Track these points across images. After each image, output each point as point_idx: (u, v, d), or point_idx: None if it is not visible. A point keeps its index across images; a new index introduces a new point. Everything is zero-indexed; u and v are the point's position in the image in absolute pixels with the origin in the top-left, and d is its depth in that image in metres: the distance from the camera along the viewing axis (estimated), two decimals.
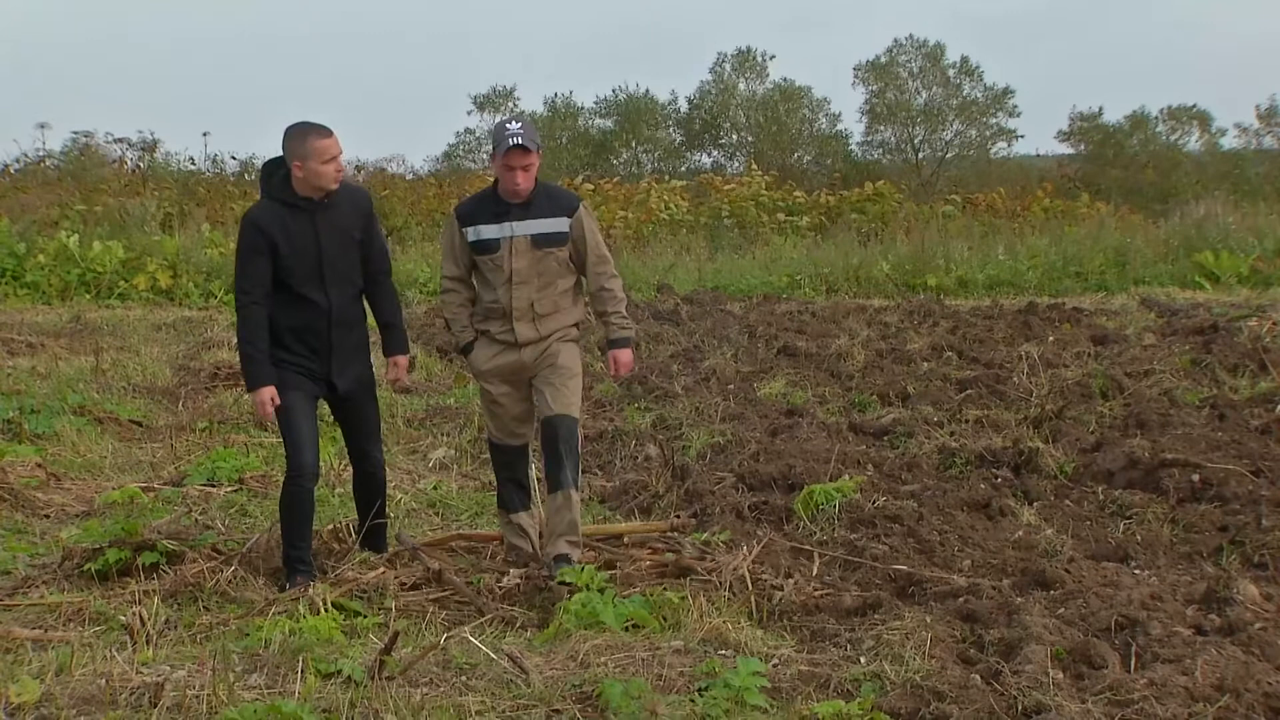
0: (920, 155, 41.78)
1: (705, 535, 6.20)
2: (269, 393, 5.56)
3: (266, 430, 8.54)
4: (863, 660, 4.67)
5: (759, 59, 43.45)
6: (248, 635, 4.98)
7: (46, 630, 5.11)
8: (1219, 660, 4.35)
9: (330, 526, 6.24)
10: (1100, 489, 7.14)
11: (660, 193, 24.96)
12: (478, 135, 44.23)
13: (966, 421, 8.75)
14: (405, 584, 5.81)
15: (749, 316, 15.09)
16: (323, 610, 5.14)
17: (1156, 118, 39.71)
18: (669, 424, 9.02)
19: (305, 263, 5.54)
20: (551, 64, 77.38)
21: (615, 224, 22.57)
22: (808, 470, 7.27)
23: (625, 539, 6.34)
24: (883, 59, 42.48)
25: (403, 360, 6.00)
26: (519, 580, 5.77)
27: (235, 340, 5.77)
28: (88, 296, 17.26)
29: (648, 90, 42.72)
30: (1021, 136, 42.88)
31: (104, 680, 4.31)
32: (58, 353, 12.05)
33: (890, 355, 11.75)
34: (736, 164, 39.33)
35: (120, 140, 27.53)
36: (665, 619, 5.16)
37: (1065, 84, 70.56)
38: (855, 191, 25.78)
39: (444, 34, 78.08)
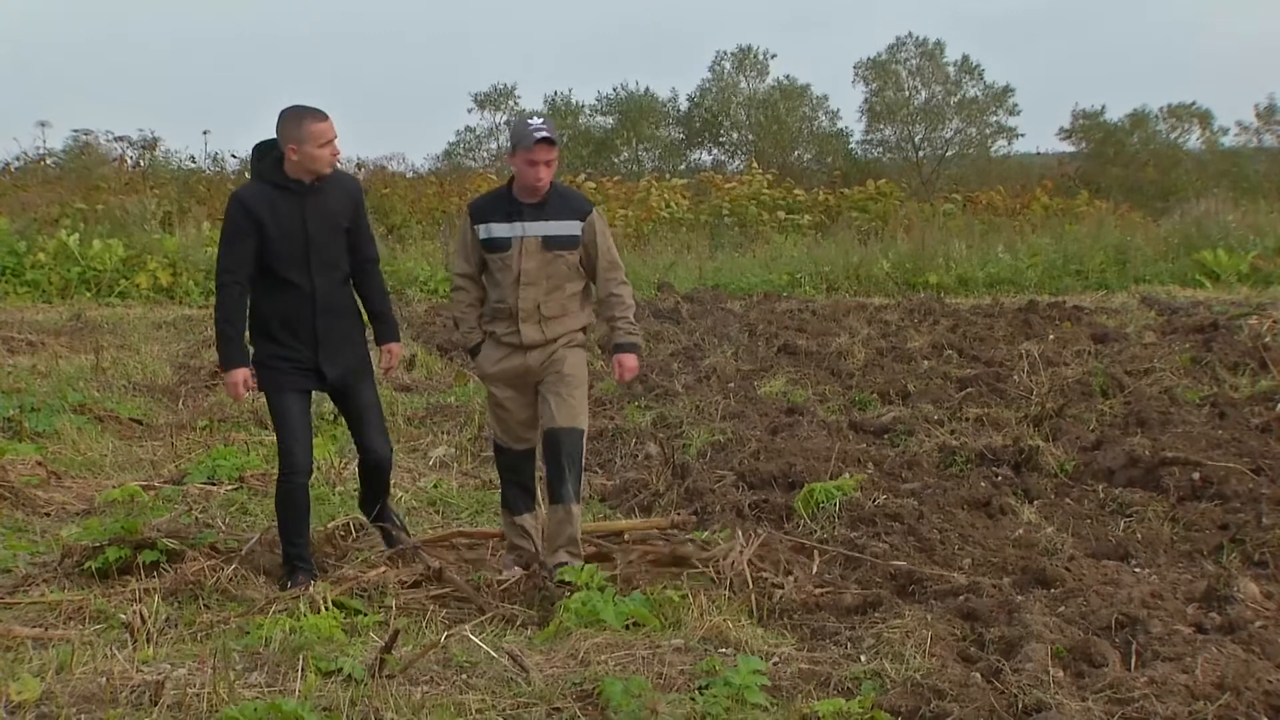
0: (920, 154, 41.78)
1: (706, 534, 6.19)
2: (242, 374, 5.56)
3: (267, 428, 8.54)
4: (863, 658, 4.67)
5: (759, 57, 43.45)
6: (248, 633, 4.98)
7: (47, 628, 5.11)
8: (1219, 658, 4.35)
9: (330, 525, 6.24)
10: (1100, 487, 7.14)
11: (661, 191, 24.97)
12: (478, 134, 44.26)
13: (967, 420, 8.75)
14: (405, 582, 5.81)
15: (749, 315, 15.09)
16: (323, 608, 5.14)
17: (1157, 116, 39.73)
18: (669, 422, 9.02)
19: (291, 246, 5.50)
20: (552, 62, 77.35)
21: (616, 222, 22.58)
22: (808, 468, 7.27)
23: (626, 536, 6.33)
24: (883, 57, 42.50)
25: (395, 348, 5.96)
26: (519, 577, 5.78)
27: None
28: (88, 295, 17.28)
29: (648, 89, 42.72)
30: (1022, 135, 42.93)
31: (104, 678, 4.31)
32: (58, 351, 12.06)
33: (890, 353, 11.75)
34: (737, 162, 39.33)
35: (121, 139, 27.55)
36: (665, 617, 5.15)
37: (1066, 83, 70.59)
38: (856, 190, 25.79)
39: (444, 33, 78.05)
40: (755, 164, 27.46)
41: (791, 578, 5.56)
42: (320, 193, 5.55)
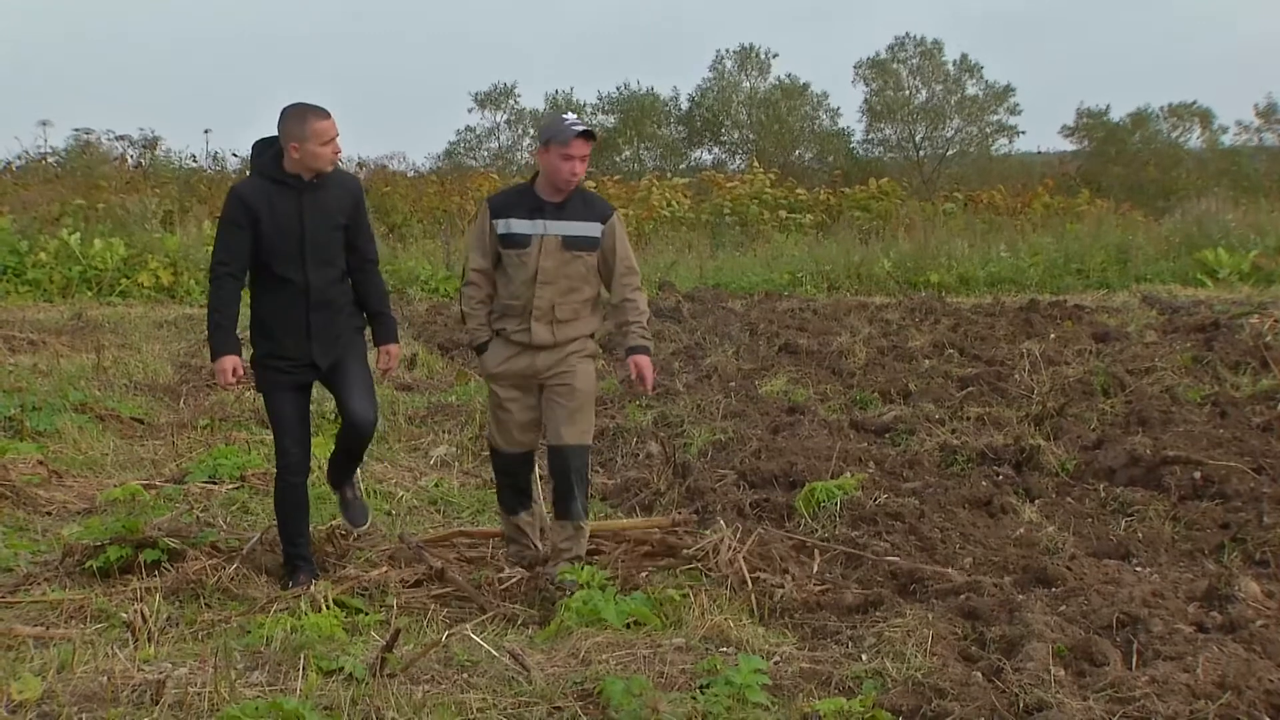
0: (921, 153, 41.79)
1: (707, 533, 6.19)
2: (231, 362, 5.53)
3: (268, 427, 8.54)
4: (864, 658, 4.67)
5: (761, 55, 43.46)
6: (249, 632, 4.98)
7: (48, 628, 5.11)
8: (1220, 658, 4.35)
9: (331, 524, 6.25)
10: (1102, 486, 7.14)
11: (662, 190, 24.97)
12: (478, 133, 44.28)
13: (968, 419, 8.75)
14: (407, 581, 5.81)
15: (750, 314, 15.09)
16: (324, 607, 5.14)
17: (1158, 114, 39.74)
18: (670, 421, 9.02)
19: (287, 241, 5.48)
20: (553, 61, 77.38)
21: None
22: (809, 468, 7.26)
23: (627, 536, 6.34)
24: (882, 56, 42.50)
25: (393, 349, 5.91)
26: (520, 576, 5.78)
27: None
28: (89, 294, 17.29)
29: (651, 89, 42.74)
30: (1023, 133, 42.95)
31: (105, 678, 4.30)
32: (59, 350, 12.05)
33: (892, 353, 11.75)
34: (738, 161, 39.35)
35: (122, 138, 27.58)
36: (666, 616, 5.15)
37: (1067, 82, 70.39)
38: (857, 189, 25.80)
39: (444, 32, 78.10)
40: (757, 163, 27.47)
41: (789, 576, 5.57)
42: (319, 189, 5.53)
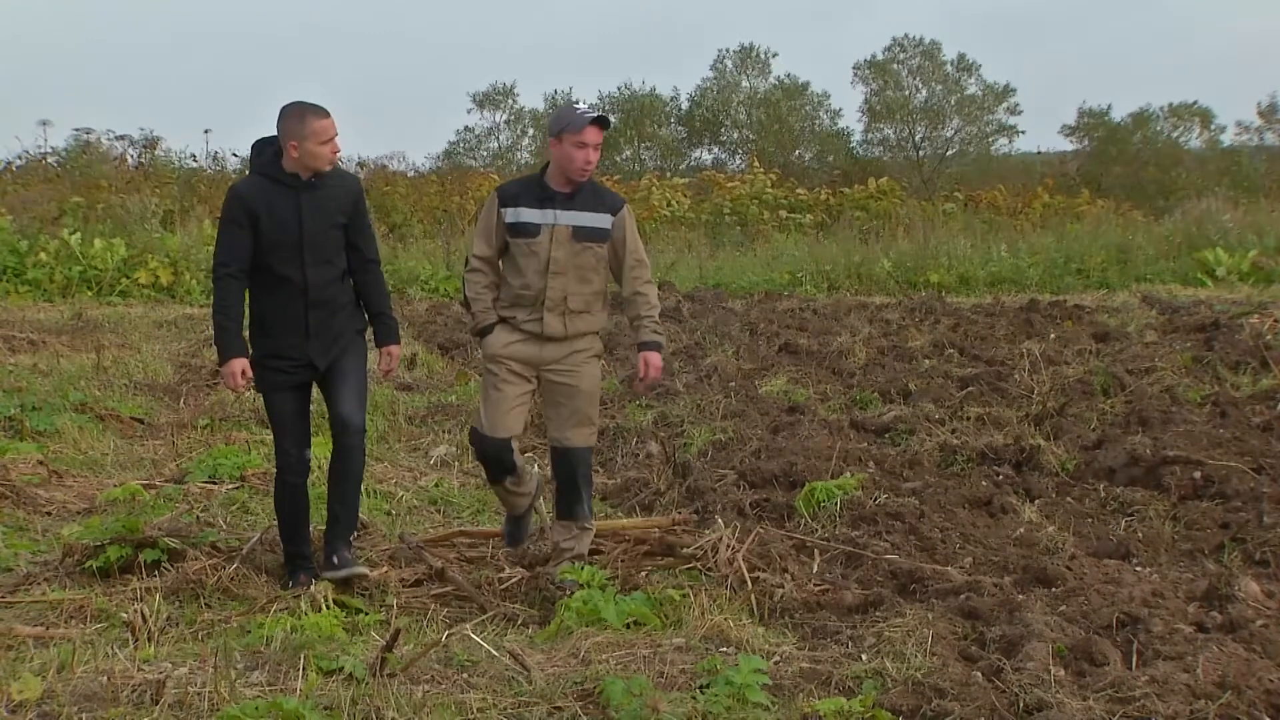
0: (921, 153, 41.81)
1: (707, 533, 6.20)
2: (240, 365, 5.51)
3: (268, 427, 8.55)
4: (864, 657, 4.67)
5: (761, 55, 43.48)
6: (249, 632, 4.98)
7: (48, 627, 5.11)
8: (1220, 657, 4.35)
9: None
10: (1102, 486, 7.15)
11: (662, 190, 24.99)
12: (477, 134, 44.31)
13: (968, 419, 8.75)
14: (407, 581, 5.82)
15: (750, 314, 15.09)
16: (324, 607, 5.14)
17: (1159, 114, 39.77)
18: (670, 421, 9.02)
19: (285, 240, 5.47)
20: (552, 61, 77.38)
21: None
22: (809, 467, 7.26)
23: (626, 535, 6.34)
24: (881, 57, 42.52)
25: (394, 350, 5.88)
26: (520, 576, 5.79)
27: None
28: (89, 294, 17.28)
29: (654, 88, 42.77)
30: (1022, 133, 42.99)
31: (105, 677, 4.30)
32: (59, 350, 12.05)
33: (892, 352, 11.75)
34: (738, 161, 39.37)
35: (122, 137, 27.58)
36: (666, 616, 5.15)
37: (1067, 82, 70.61)
38: (857, 189, 25.81)
39: (444, 31, 78.08)
40: (757, 163, 27.48)
41: (789, 576, 5.57)
42: (318, 188, 5.53)
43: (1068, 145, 40.14)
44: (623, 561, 5.96)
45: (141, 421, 9.33)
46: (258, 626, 4.98)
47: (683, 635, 4.93)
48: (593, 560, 5.87)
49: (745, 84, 43.27)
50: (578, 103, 5.77)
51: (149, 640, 4.83)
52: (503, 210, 5.71)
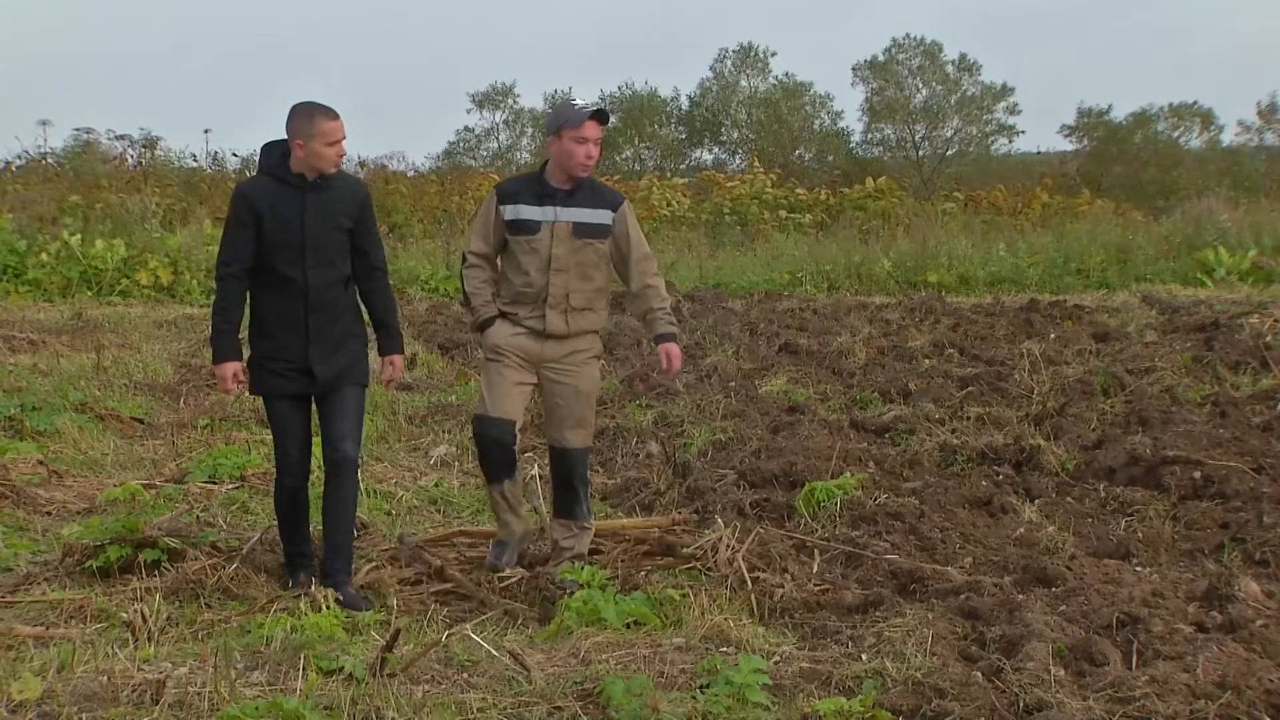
0: (921, 152, 41.83)
1: (708, 533, 6.20)
2: (232, 368, 5.52)
3: (268, 427, 8.54)
4: (864, 657, 4.67)
5: (761, 55, 43.49)
6: (249, 632, 4.98)
7: (48, 627, 5.11)
8: (1220, 657, 4.35)
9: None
10: (1101, 486, 7.14)
11: (662, 190, 24.98)
12: (477, 134, 44.32)
13: (968, 419, 8.75)
14: (406, 581, 5.82)
15: (750, 314, 15.09)
16: (324, 607, 5.14)
17: (1160, 114, 39.79)
18: (670, 421, 9.01)
19: (288, 240, 5.45)
20: (552, 61, 77.37)
21: None
22: (809, 467, 7.26)
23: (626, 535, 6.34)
24: (881, 57, 42.53)
25: (397, 359, 5.84)
26: (520, 576, 5.79)
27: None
28: (89, 294, 17.28)
29: (655, 89, 42.79)
30: (1022, 133, 43.03)
31: (106, 677, 4.30)
32: (59, 350, 12.05)
33: (892, 352, 11.75)
34: (738, 161, 39.37)
35: (122, 137, 27.57)
36: (666, 616, 5.15)
37: (1067, 82, 70.64)
38: (856, 188, 25.81)
39: (444, 31, 78.07)
40: (757, 163, 27.48)
41: (789, 575, 5.57)
42: (323, 190, 5.52)
43: (1067, 145, 40.19)
44: (623, 561, 5.97)
45: (141, 421, 9.33)
46: (258, 626, 4.98)
47: (683, 635, 4.93)
48: (593, 560, 5.87)
49: (745, 84, 43.28)
50: (575, 99, 5.77)
51: (149, 640, 4.83)
52: (501, 208, 5.70)
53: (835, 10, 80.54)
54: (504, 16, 77.77)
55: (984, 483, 7.26)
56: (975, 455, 7.80)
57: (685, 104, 43.29)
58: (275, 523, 5.88)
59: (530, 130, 43.31)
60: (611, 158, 40.68)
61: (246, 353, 5.62)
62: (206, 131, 38.79)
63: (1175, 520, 6.53)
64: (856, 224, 23.03)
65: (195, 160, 27.13)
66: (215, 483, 7.45)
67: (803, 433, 8.32)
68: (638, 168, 39.14)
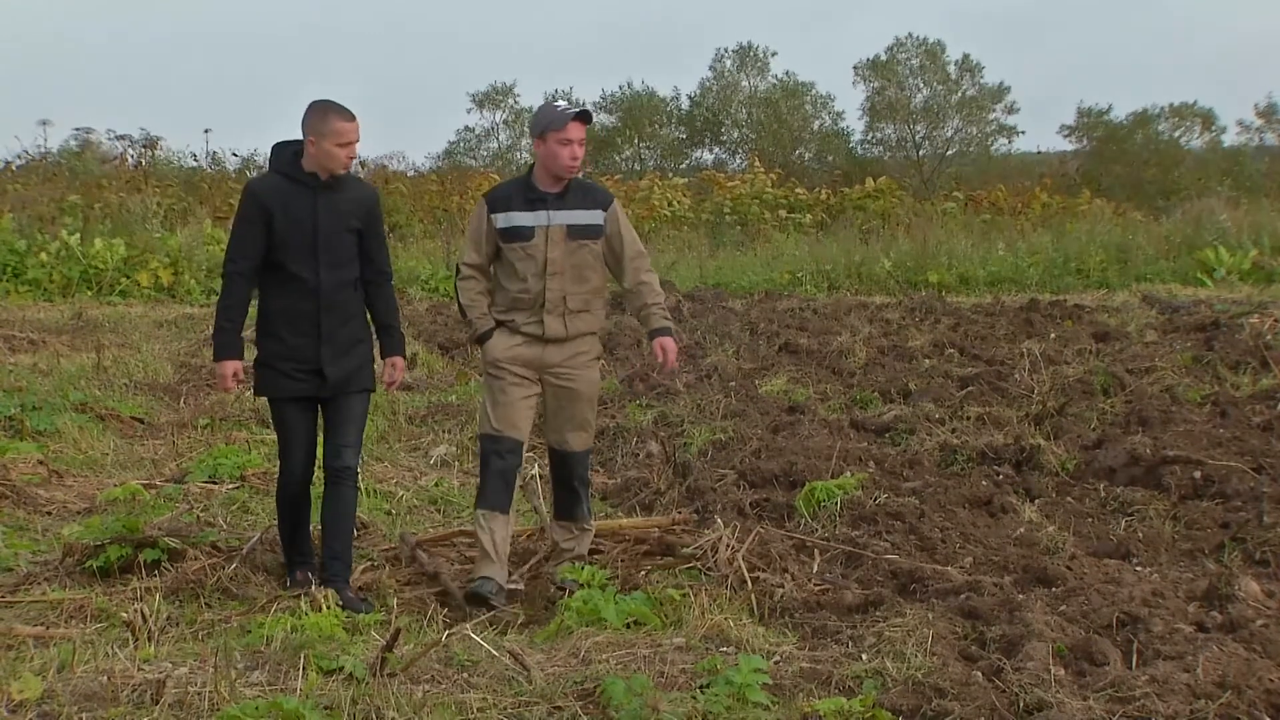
0: (921, 152, 41.82)
1: (708, 533, 6.19)
2: (233, 367, 5.52)
3: (268, 427, 8.54)
4: (864, 657, 4.67)
5: (761, 55, 43.47)
6: (249, 632, 4.98)
7: (48, 627, 5.11)
8: (1221, 657, 4.35)
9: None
10: (1102, 486, 7.14)
11: (663, 190, 24.98)
12: (477, 133, 44.29)
13: (968, 418, 8.74)
14: (406, 580, 5.82)
15: (750, 313, 15.09)
16: (324, 607, 5.14)
17: (1161, 114, 39.79)
18: (670, 421, 9.01)
19: (299, 237, 5.45)
20: (552, 61, 77.40)
21: None
22: (809, 467, 7.26)
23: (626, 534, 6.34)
24: (883, 57, 42.51)
25: (399, 362, 5.85)
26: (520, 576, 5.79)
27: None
28: (89, 293, 17.28)
29: (652, 90, 42.77)
30: (1022, 133, 43.06)
31: (106, 677, 4.30)
32: (59, 350, 12.05)
33: (892, 352, 11.75)
34: (738, 161, 39.36)
35: (122, 137, 27.56)
36: (667, 616, 5.15)
37: (1067, 82, 70.58)
38: (857, 188, 25.81)
39: (444, 31, 78.09)
40: (758, 162, 27.47)
41: (789, 575, 5.57)
42: (334, 191, 5.52)
43: (1067, 145, 40.20)
44: (623, 561, 5.97)
45: (142, 421, 9.33)
46: (258, 626, 4.98)
47: (683, 635, 4.93)
48: (593, 560, 5.87)
49: (745, 83, 43.26)
50: (557, 101, 5.76)
51: (149, 640, 4.82)
52: (493, 216, 5.67)
53: (835, 10, 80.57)
54: (504, 16, 77.77)
55: (984, 482, 7.26)
56: (975, 455, 7.80)
57: (685, 104, 43.29)
58: (275, 523, 5.88)
59: (529, 129, 43.24)
60: (611, 157, 40.67)
61: (251, 354, 5.61)
62: (207, 131, 38.84)
63: (1175, 520, 6.53)
64: (856, 224, 23.02)
65: (196, 160, 27.15)
66: (215, 482, 7.45)
67: (803, 432, 8.33)
68: (638, 167, 39.12)
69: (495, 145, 44.04)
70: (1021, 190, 26.54)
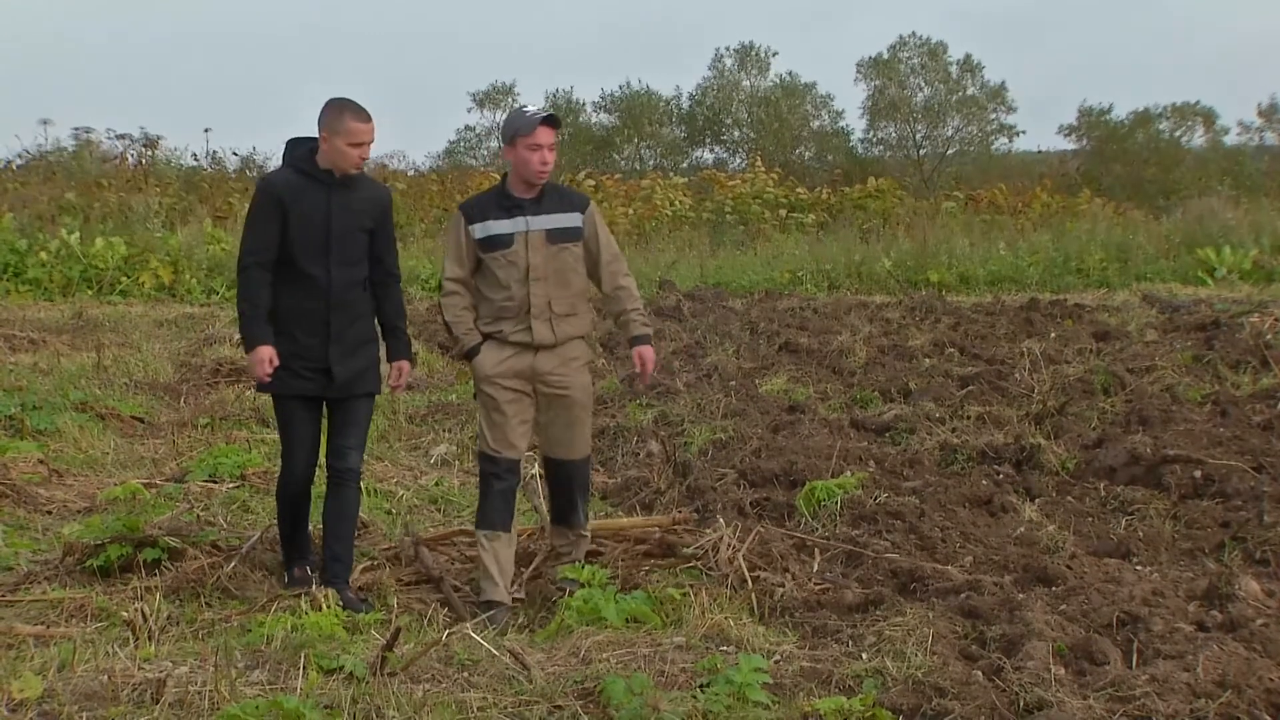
0: (922, 151, 41.82)
1: (709, 532, 6.20)
2: (267, 352, 5.44)
3: (269, 426, 8.55)
4: (864, 656, 4.67)
5: (761, 54, 43.46)
6: (250, 631, 4.98)
7: (48, 626, 5.11)
8: (1221, 656, 4.35)
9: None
10: (1102, 485, 7.14)
11: (664, 190, 24.96)
12: (477, 133, 44.27)
13: (968, 418, 8.74)
14: (405, 580, 5.82)
15: (751, 313, 15.08)
16: (325, 606, 5.14)
17: (1163, 113, 39.79)
18: (671, 420, 9.01)
19: (313, 235, 5.45)
20: (552, 60, 77.40)
21: (618, 220, 22.59)
22: (809, 466, 7.26)
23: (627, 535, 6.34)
24: (885, 55, 42.51)
25: (405, 367, 5.83)
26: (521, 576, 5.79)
27: (235, 316, 5.58)
28: (89, 293, 17.26)
29: (648, 86, 42.74)
30: (1022, 132, 43.02)
31: (106, 676, 4.31)
32: (59, 349, 12.05)
33: (892, 351, 11.74)
34: (738, 160, 39.35)
35: (122, 136, 27.53)
36: (667, 615, 5.16)
37: (1068, 81, 70.68)
38: (857, 188, 25.80)
39: (444, 31, 78.08)
40: (759, 162, 27.45)
41: (789, 574, 5.57)
42: (348, 189, 5.51)
43: (1068, 145, 40.19)
44: (623, 561, 5.97)
45: (142, 420, 9.33)
46: (258, 625, 4.98)
47: (683, 634, 4.93)
48: (593, 561, 5.87)
49: (746, 83, 43.25)
50: (525, 106, 5.72)
51: (149, 639, 4.83)
52: (470, 227, 5.61)
53: (834, 10, 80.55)
54: (504, 16, 77.75)
55: (984, 482, 7.26)
56: (975, 454, 7.80)
57: (686, 103, 43.27)
58: (275, 521, 5.88)
59: None
60: (611, 156, 40.65)
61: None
62: (207, 131, 38.82)
63: (1175, 519, 6.53)
64: (857, 223, 23.01)
65: (196, 159, 27.13)
66: (216, 482, 7.45)
67: (803, 432, 8.33)
68: (638, 166, 39.11)
69: (496, 144, 44.00)
70: (1022, 189, 26.52)
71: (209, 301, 16.59)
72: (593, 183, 25.05)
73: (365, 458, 6.00)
